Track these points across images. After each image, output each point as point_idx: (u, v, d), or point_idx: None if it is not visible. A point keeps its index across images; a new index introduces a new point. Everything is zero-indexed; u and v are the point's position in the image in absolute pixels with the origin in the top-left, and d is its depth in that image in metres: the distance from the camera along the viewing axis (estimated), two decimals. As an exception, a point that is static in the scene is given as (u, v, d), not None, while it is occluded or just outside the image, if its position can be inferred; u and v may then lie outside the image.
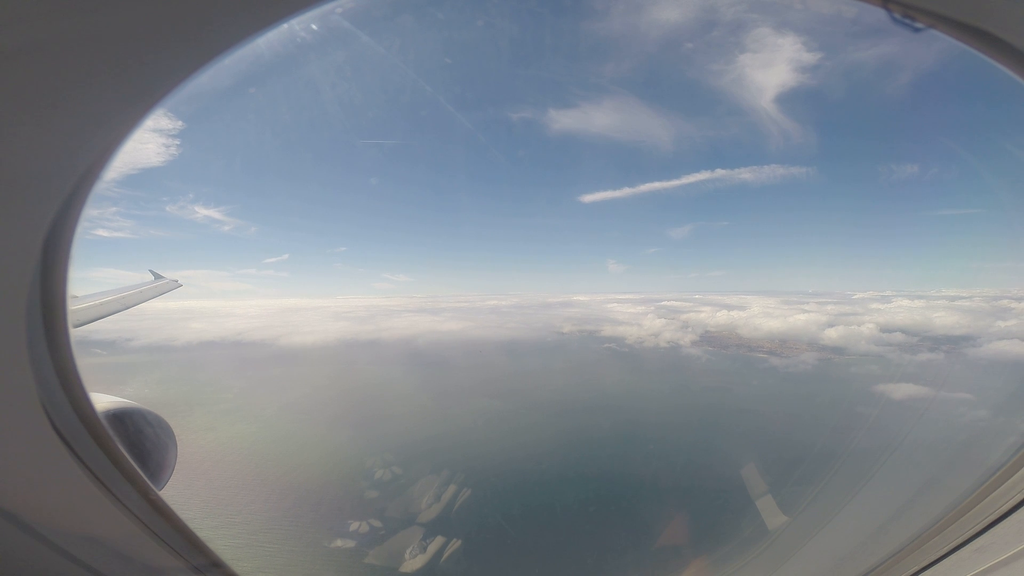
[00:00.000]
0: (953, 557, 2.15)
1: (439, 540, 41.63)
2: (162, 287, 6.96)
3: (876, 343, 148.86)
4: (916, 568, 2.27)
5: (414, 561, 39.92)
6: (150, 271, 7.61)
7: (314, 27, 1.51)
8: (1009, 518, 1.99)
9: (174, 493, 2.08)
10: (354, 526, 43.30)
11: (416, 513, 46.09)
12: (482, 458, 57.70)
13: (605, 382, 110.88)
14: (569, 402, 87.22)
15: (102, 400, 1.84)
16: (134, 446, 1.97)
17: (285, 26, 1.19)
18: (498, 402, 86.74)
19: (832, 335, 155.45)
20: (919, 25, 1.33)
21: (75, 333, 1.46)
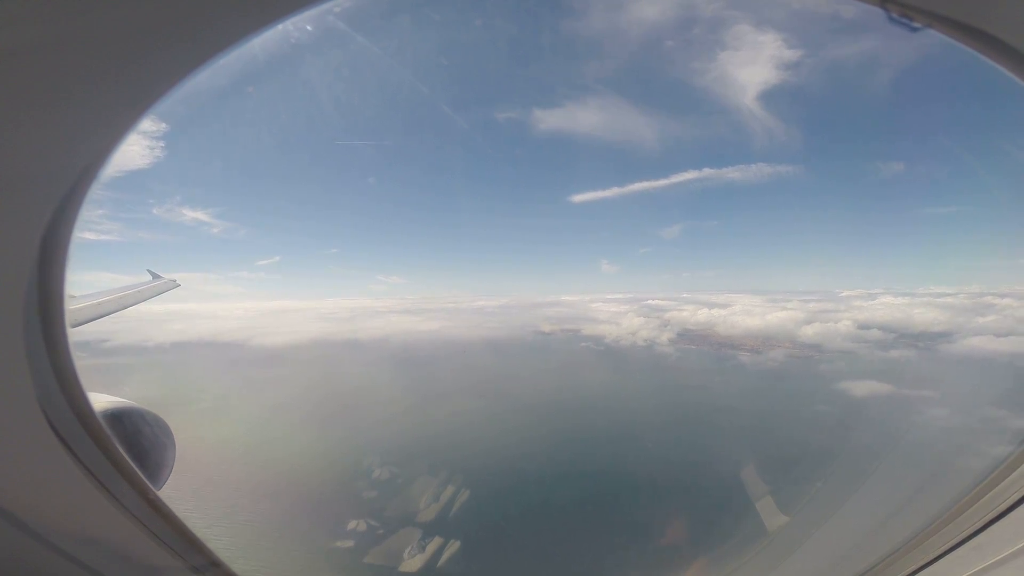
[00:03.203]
0: (951, 555, 2.16)
1: (437, 540, 41.69)
2: (160, 287, 6.93)
3: (852, 340, 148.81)
4: (915, 566, 2.28)
5: (413, 561, 39.94)
6: (148, 271, 7.57)
7: (309, 28, 1.51)
8: (1008, 516, 1.99)
9: (172, 492, 2.08)
10: (351, 525, 43.36)
11: (415, 512, 46.20)
12: (461, 456, 58.06)
13: (577, 380, 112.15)
14: (540, 399, 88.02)
15: (100, 400, 1.84)
16: (132, 445, 1.96)
17: (279, 26, 1.19)
18: (470, 400, 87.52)
19: (809, 332, 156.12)
20: (916, 25, 1.33)
21: (71, 333, 1.46)
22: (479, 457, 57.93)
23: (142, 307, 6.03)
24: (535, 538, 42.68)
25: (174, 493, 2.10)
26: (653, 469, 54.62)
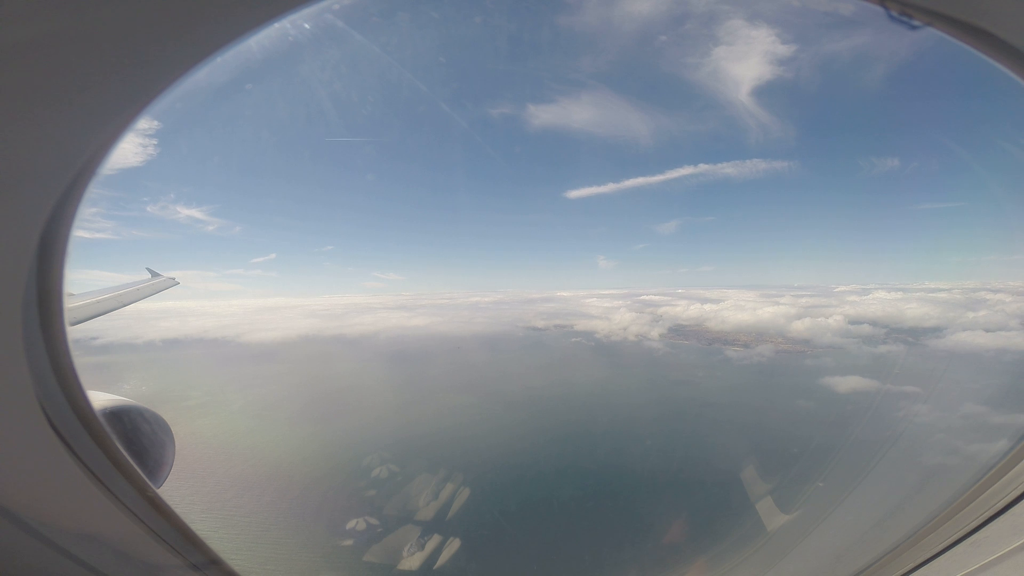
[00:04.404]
0: (948, 553, 2.17)
1: (436, 537, 41.75)
2: (159, 285, 6.92)
3: (841, 335, 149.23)
4: (912, 564, 2.29)
5: (412, 559, 39.98)
6: (147, 269, 7.56)
7: (307, 26, 1.50)
8: (1005, 514, 2.00)
9: (170, 490, 2.08)
10: (351, 523, 43.40)
11: (414, 511, 46.27)
12: (446, 452, 58.35)
13: (567, 375, 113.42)
14: (528, 395, 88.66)
15: (99, 398, 1.84)
16: (132, 443, 1.97)
17: (276, 24, 1.19)
18: (455, 395, 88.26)
19: (799, 327, 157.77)
20: (916, 23, 1.33)
21: (70, 331, 1.46)
22: (469, 454, 58.09)
23: (135, 304, 6.03)
24: (528, 531, 43.01)
25: (172, 490, 2.10)
26: (637, 465, 55.00)
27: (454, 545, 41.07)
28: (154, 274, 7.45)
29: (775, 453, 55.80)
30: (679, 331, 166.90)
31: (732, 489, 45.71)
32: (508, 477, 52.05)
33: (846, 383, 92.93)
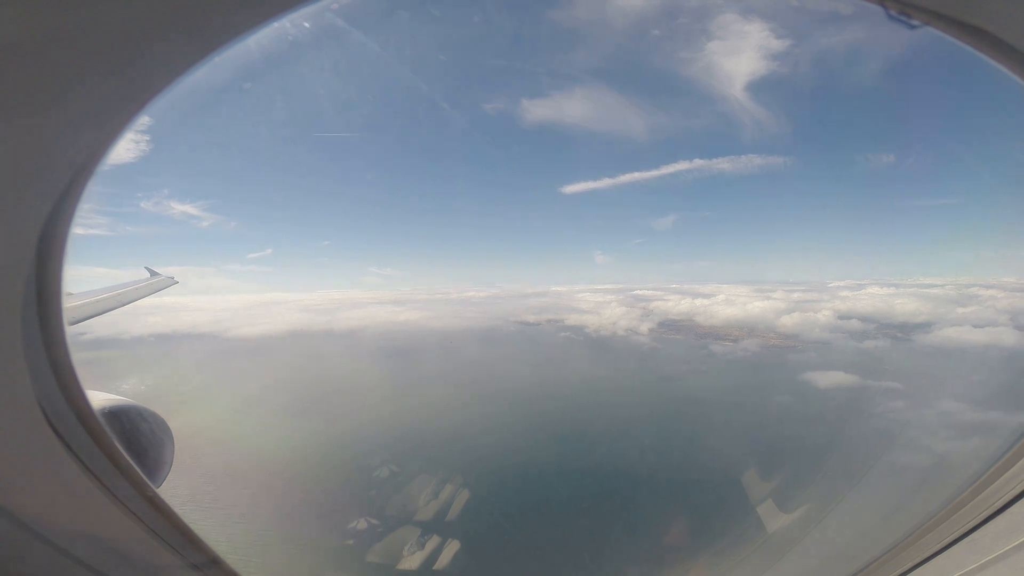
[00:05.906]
0: (947, 553, 2.17)
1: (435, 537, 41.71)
2: (157, 284, 6.93)
3: (829, 330, 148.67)
4: (910, 564, 2.29)
5: (412, 558, 39.93)
6: (145, 268, 7.57)
7: (306, 24, 1.50)
8: (1003, 514, 2.00)
9: (168, 489, 2.08)
10: (352, 523, 43.34)
11: (413, 511, 46.22)
12: (427, 448, 58.77)
13: (555, 369, 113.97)
14: (516, 389, 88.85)
15: (98, 397, 1.83)
16: (131, 443, 1.96)
17: (275, 23, 1.19)
18: (438, 390, 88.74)
19: (787, 322, 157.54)
20: (914, 22, 1.34)
21: (69, 330, 1.46)
22: (458, 451, 57.94)
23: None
24: (520, 528, 43.09)
25: (169, 488, 2.10)
26: (622, 462, 54.87)
27: (453, 545, 41.09)
28: (152, 273, 7.46)
29: (751, 449, 55.96)
30: (669, 326, 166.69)
31: (705, 487, 46.04)
32: (498, 474, 51.95)
33: (827, 379, 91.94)
